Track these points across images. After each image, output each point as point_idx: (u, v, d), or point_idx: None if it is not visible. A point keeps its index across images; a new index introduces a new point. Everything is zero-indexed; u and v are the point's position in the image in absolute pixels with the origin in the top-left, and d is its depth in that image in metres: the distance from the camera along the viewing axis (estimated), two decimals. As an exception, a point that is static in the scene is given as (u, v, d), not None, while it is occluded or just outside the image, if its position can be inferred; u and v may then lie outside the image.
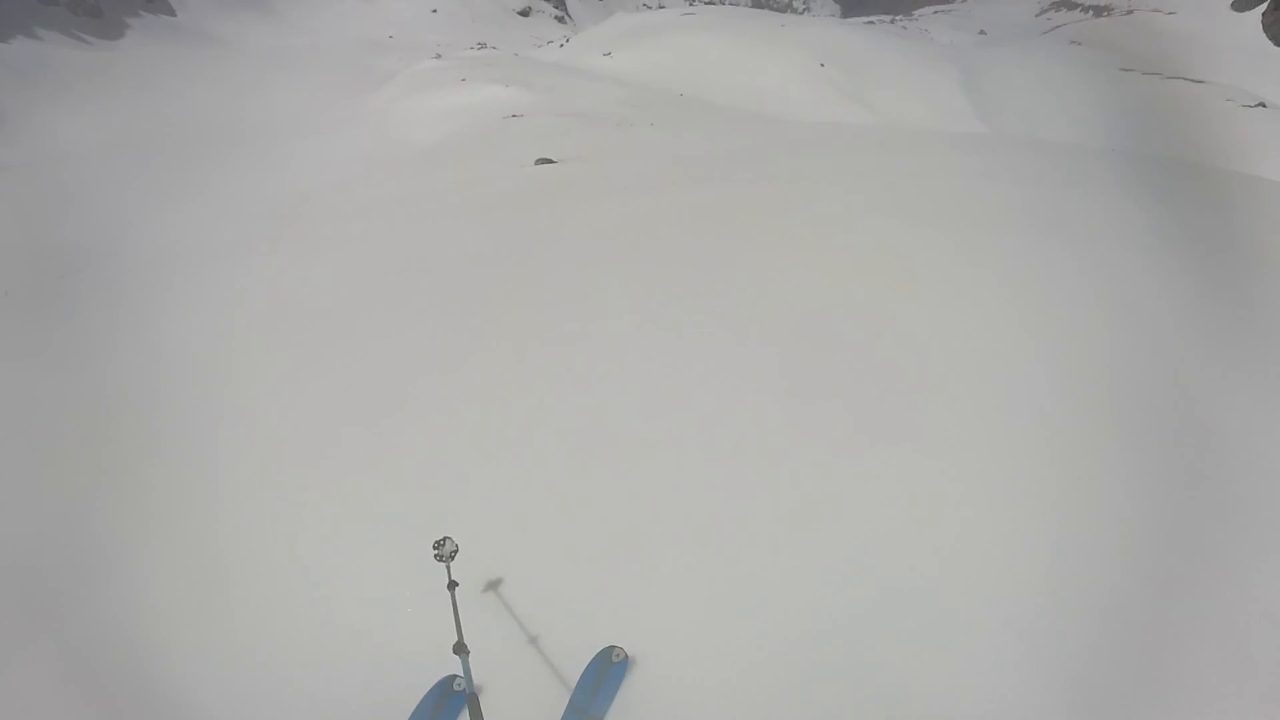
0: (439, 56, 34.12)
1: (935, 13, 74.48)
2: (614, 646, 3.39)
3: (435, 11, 65.10)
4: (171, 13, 49.58)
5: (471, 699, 2.71)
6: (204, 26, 50.11)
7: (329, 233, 9.18)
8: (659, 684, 3.37)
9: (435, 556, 3.39)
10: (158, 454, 4.94)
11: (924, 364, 5.37)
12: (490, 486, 4.43)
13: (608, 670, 3.40)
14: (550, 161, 11.48)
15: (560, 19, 76.05)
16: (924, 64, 30.14)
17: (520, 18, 72.72)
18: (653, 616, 3.62)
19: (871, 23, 48.32)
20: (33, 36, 36.97)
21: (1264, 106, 24.85)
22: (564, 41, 36.36)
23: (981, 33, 55.70)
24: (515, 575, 3.89)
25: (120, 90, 34.27)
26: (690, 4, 51.12)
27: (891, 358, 5.45)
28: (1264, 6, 17.78)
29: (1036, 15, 66.39)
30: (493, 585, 3.83)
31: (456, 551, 3.44)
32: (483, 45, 43.03)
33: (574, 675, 3.34)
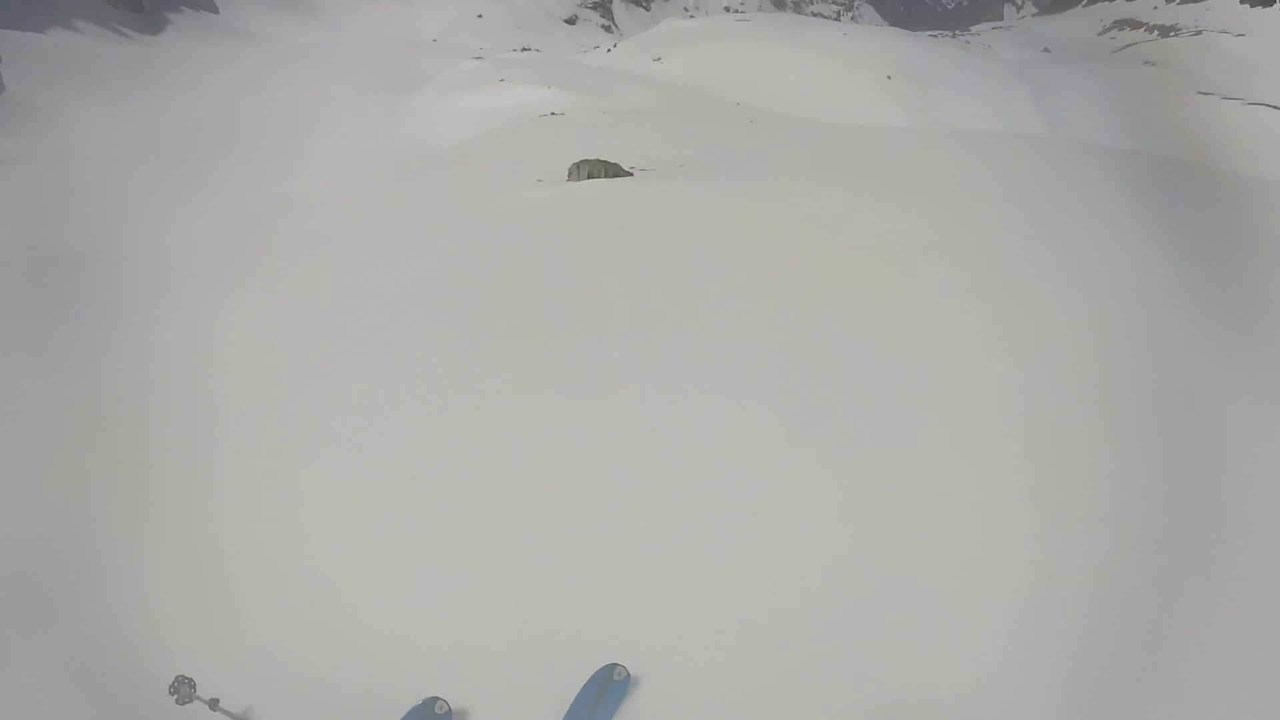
0: (479, 58, 32.74)
1: (994, 29, 73.09)
2: (615, 665, 3.34)
3: (480, 17, 64.16)
4: (214, 9, 48.86)
5: None
6: (245, 24, 49.36)
7: (320, 241, 8.66)
8: (658, 694, 3.32)
9: (174, 700, 3.19)
10: (157, 454, 4.87)
11: (923, 364, 5.48)
12: (490, 488, 4.42)
13: (608, 689, 3.28)
14: (599, 173, 9.89)
15: (607, 28, 75.24)
16: (995, 79, 28.21)
17: (566, 25, 72.07)
18: (652, 620, 3.64)
19: (935, 36, 46.14)
20: (70, 28, 36.09)
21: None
22: (611, 47, 34.67)
23: (1046, 50, 53.45)
24: (515, 577, 3.87)
25: (155, 85, 33.03)
26: (740, 12, 50.01)
27: (891, 358, 5.56)
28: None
29: (1099, 34, 64.33)
30: (492, 588, 3.80)
31: (193, 691, 3.22)
32: (526, 49, 41.65)
33: (571, 688, 3.29)
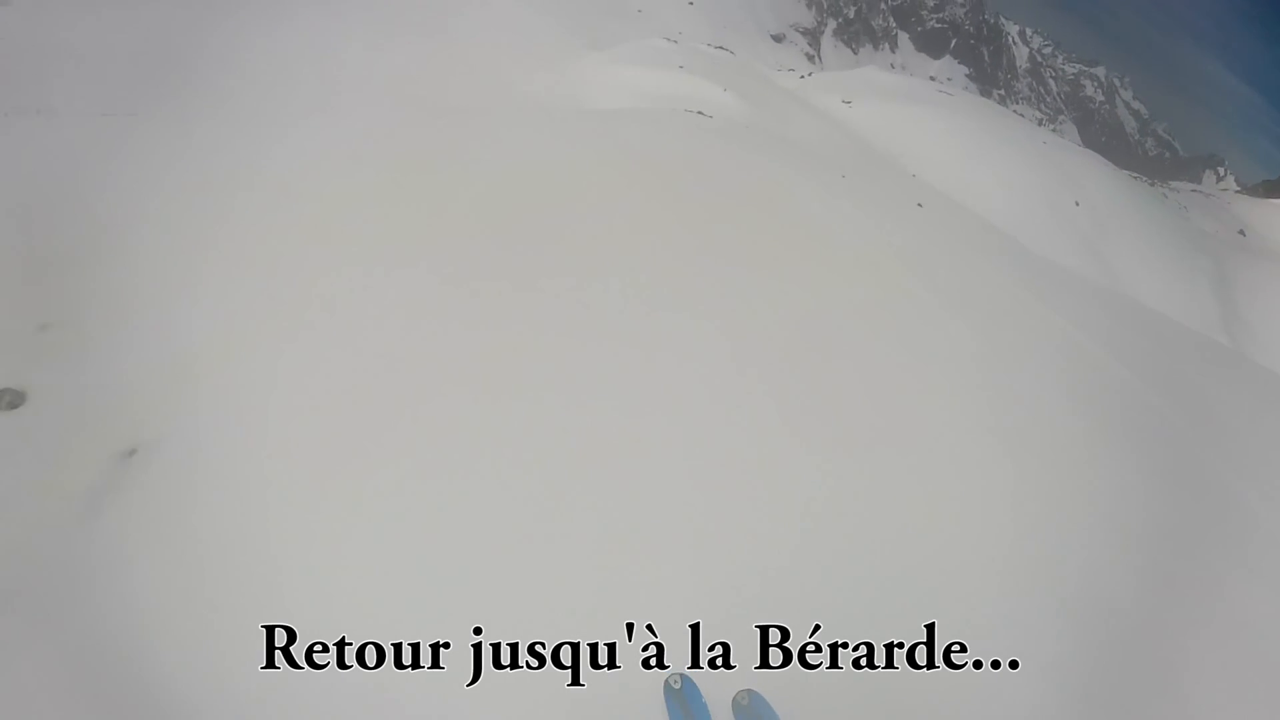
0: (671, 40, 31.85)
1: (1193, 191, 68.97)
2: (667, 676, 3.38)
3: (692, 3, 63.59)
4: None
5: None
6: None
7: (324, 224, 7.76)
8: (658, 693, 3.31)
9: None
10: (156, 454, 4.70)
11: (923, 365, 5.61)
12: (490, 488, 4.39)
13: (679, 699, 3.26)
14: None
15: (810, 57, 74.24)
16: (1179, 246, 25.83)
17: (772, 41, 71.35)
18: (652, 621, 3.61)
19: (1135, 178, 43.26)
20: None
21: None
22: (806, 75, 33.31)
23: (1241, 233, 49.89)
24: (513, 579, 3.84)
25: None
26: (948, 79, 48.35)
27: (891, 359, 5.66)
28: None
29: (1307, 231, 60.11)
30: (492, 589, 3.77)
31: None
32: (721, 48, 40.63)
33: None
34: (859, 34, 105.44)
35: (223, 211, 7.10)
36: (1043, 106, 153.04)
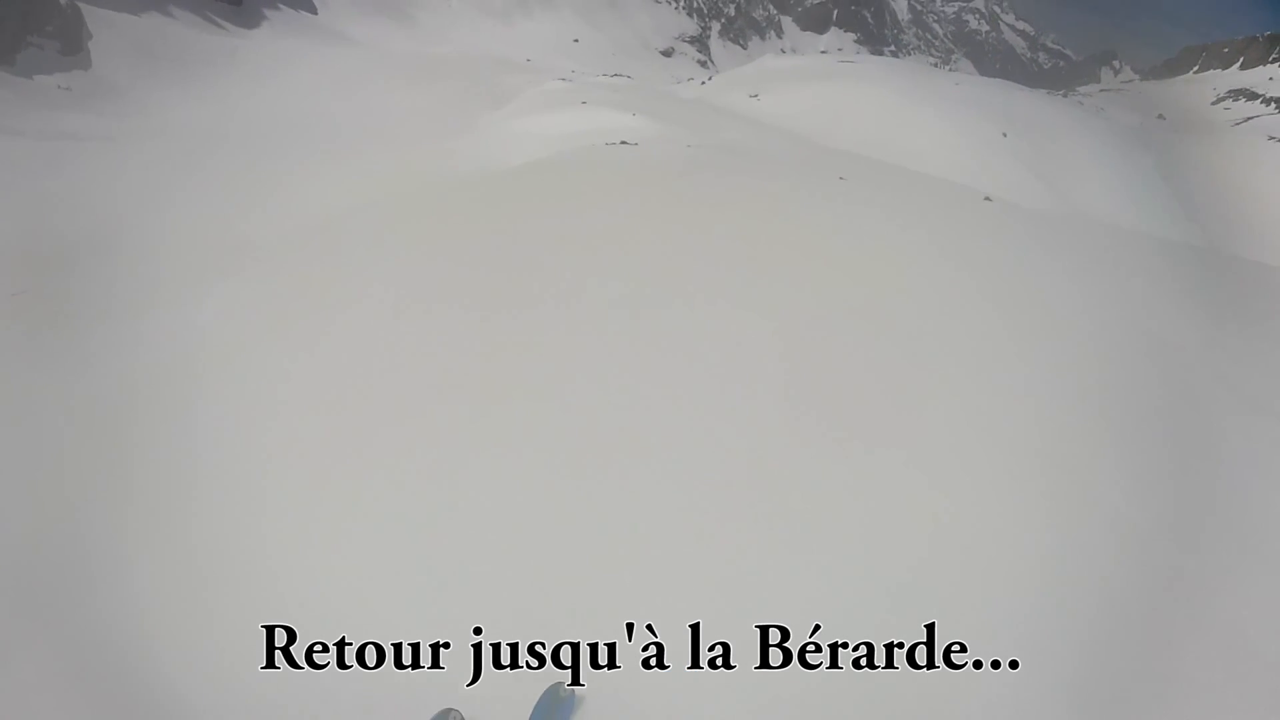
0: (565, 80, 31.63)
1: (1102, 91, 70.14)
2: (558, 684, 3.28)
3: (577, 41, 64.07)
4: (313, 10, 49.20)
5: None
6: (342, 27, 49.76)
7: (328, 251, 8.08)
8: (660, 694, 3.29)
9: None
10: (156, 455, 4.76)
11: (923, 365, 5.62)
12: (490, 488, 4.35)
13: (556, 707, 3.21)
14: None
15: (703, 63, 74.97)
16: (1116, 148, 25.78)
17: (662, 57, 71.92)
18: (653, 621, 3.59)
19: (1049, 94, 43.53)
20: (166, 13, 36.36)
21: None
22: (705, 80, 33.20)
23: (1160, 117, 50.50)
24: (513, 579, 3.81)
25: (242, 77, 33.30)
26: (839, 50, 48.97)
27: (891, 359, 5.68)
28: None
29: (1213, 103, 61.21)
30: (492, 589, 3.76)
31: None
32: (617, 75, 40.57)
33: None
34: (744, 29, 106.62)
35: (223, 213, 7.31)
36: (933, 51, 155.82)
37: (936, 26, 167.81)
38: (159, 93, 28.41)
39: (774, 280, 6.68)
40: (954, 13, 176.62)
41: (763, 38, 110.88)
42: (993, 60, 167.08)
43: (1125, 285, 7.18)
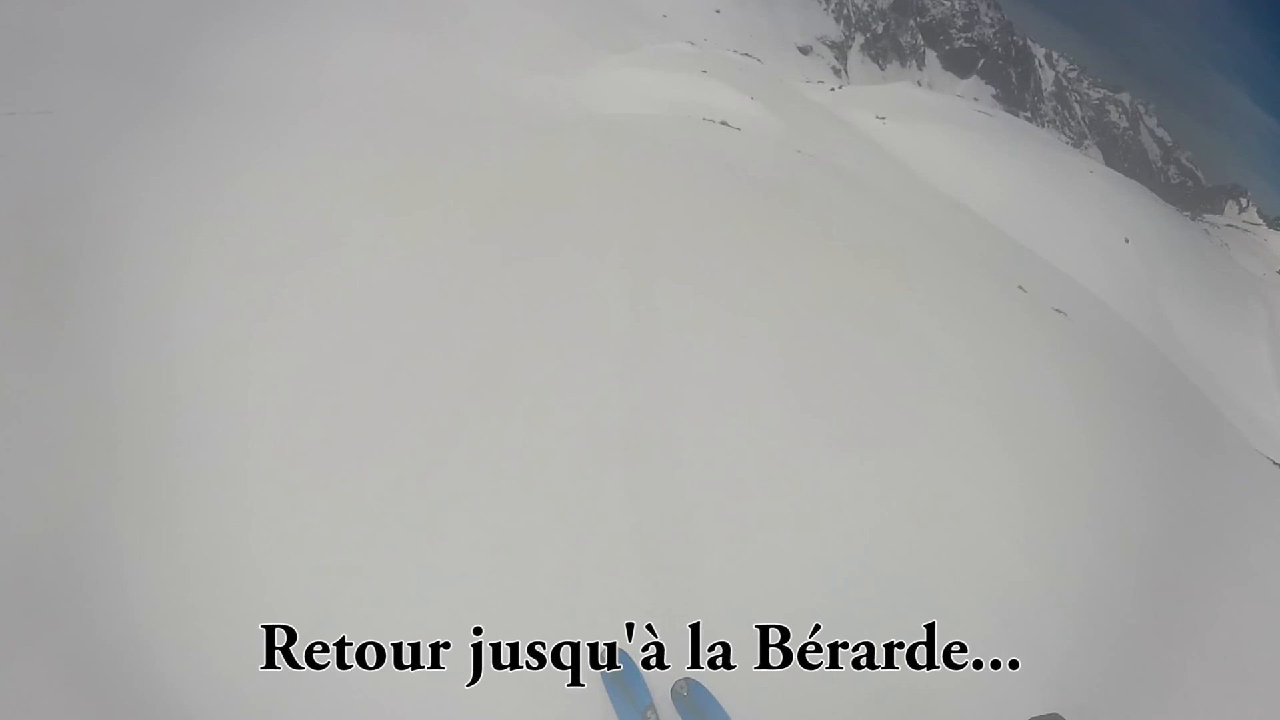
0: (693, 44, 30.24)
1: (1228, 226, 67.15)
2: (675, 681, 3.38)
3: (719, 12, 62.26)
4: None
5: None
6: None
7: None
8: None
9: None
10: (156, 455, 4.66)
11: (924, 364, 5.59)
12: (491, 488, 4.32)
13: (620, 679, 3.33)
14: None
15: (837, 70, 73.02)
16: (1230, 291, 24.05)
17: (799, 53, 70.07)
18: (653, 621, 3.58)
19: (1182, 214, 41.39)
20: None
21: None
22: (836, 87, 31.67)
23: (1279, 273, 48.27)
24: (513, 579, 3.79)
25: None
26: (975, 99, 47.23)
27: (892, 358, 5.67)
28: None
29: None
30: (493, 590, 3.73)
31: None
32: (748, 55, 39.13)
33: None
34: (886, 50, 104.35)
35: (222, 213, 6.87)
36: (1067, 130, 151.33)
37: (1077, 107, 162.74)
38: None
39: (776, 278, 6.55)
40: (1098, 99, 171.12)
41: (903, 64, 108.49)
42: (1123, 158, 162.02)
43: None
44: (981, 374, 5.48)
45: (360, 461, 4.54)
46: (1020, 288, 8.89)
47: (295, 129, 9.37)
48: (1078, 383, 5.44)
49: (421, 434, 4.74)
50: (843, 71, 73.45)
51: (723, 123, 14.67)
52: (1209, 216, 67.91)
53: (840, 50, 77.61)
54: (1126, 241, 21.39)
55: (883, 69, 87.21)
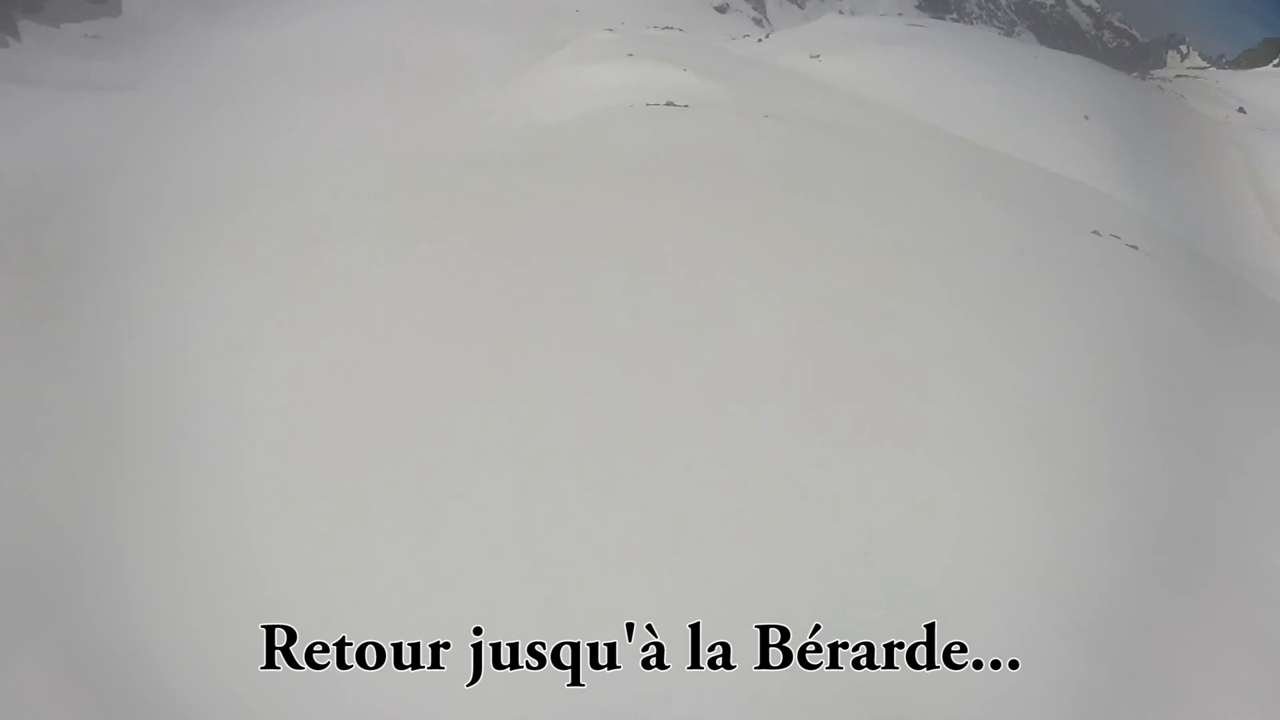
0: (612, 30, 30.02)
1: (1178, 77, 66.77)
2: None
3: (628, -9, 61.76)
4: (359, -54, 47.31)
5: None
6: (390, -33, 47.92)
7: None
8: (660, 693, 3.28)
9: None
10: (156, 455, 4.83)
11: (924, 364, 5.60)
12: (491, 488, 4.39)
13: None
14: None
15: (758, 20, 72.77)
16: (1204, 144, 23.80)
17: (716, 13, 69.75)
18: (653, 621, 3.60)
19: (1135, 76, 40.98)
20: (198, -50, 34.91)
21: None
22: (762, 38, 31.44)
23: (1240, 110, 47.84)
24: (513, 579, 3.81)
25: (286, 14, 31.45)
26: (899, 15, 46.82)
27: (892, 358, 5.67)
28: None
29: (1304, 100, 58.05)
30: (493, 590, 3.74)
31: None
32: (669, 28, 38.78)
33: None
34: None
35: (222, 213, 7.06)
36: (996, 21, 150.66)
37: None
38: (195, 34, 27.31)
39: (776, 277, 6.51)
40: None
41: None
42: (1056, 35, 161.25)
43: (1132, 291, 7.20)
44: (985, 370, 5.57)
45: (360, 461, 4.69)
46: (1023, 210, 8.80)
47: (296, 129, 9.81)
48: (1081, 379, 5.36)
49: (421, 434, 4.89)
50: (764, 21, 73.15)
51: (668, 103, 14.41)
52: (1156, 72, 67.70)
53: (757, 0, 77.24)
54: (1086, 119, 21.15)
55: (803, 8, 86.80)
